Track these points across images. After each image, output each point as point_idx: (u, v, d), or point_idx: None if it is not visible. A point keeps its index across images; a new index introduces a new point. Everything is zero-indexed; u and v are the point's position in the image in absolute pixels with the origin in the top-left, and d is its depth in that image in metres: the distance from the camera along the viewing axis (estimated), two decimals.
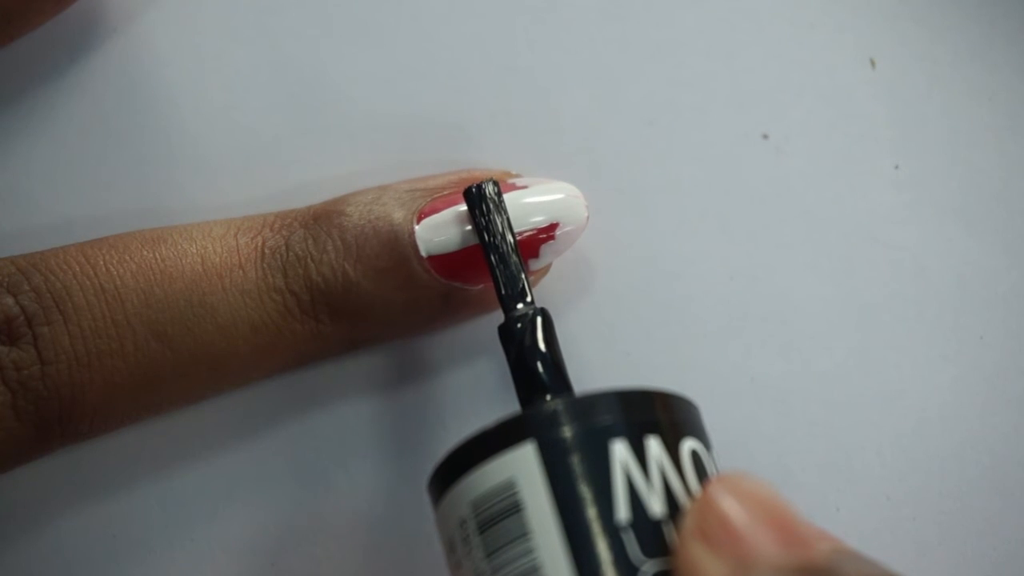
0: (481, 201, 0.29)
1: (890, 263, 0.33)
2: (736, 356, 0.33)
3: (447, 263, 0.30)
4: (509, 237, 0.29)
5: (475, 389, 0.32)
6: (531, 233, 0.30)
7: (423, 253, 0.30)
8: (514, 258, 0.29)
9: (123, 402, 0.28)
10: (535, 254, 0.30)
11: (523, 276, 0.29)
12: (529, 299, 0.29)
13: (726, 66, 0.34)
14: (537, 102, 0.33)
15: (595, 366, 0.32)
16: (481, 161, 0.33)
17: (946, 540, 0.32)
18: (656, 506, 0.25)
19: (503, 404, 0.32)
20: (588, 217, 0.31)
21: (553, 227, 0.30)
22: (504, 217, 0.29)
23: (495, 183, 0.30)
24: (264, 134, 0.33)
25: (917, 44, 0.34)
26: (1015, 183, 0.33)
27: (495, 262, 0.29)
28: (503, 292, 0.29)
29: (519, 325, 0.29)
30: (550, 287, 0.32)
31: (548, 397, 0.28)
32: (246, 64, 0.33)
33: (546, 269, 0.32)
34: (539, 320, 0.29)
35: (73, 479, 0.31)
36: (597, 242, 0.33)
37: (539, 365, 0.28)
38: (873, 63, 0.34)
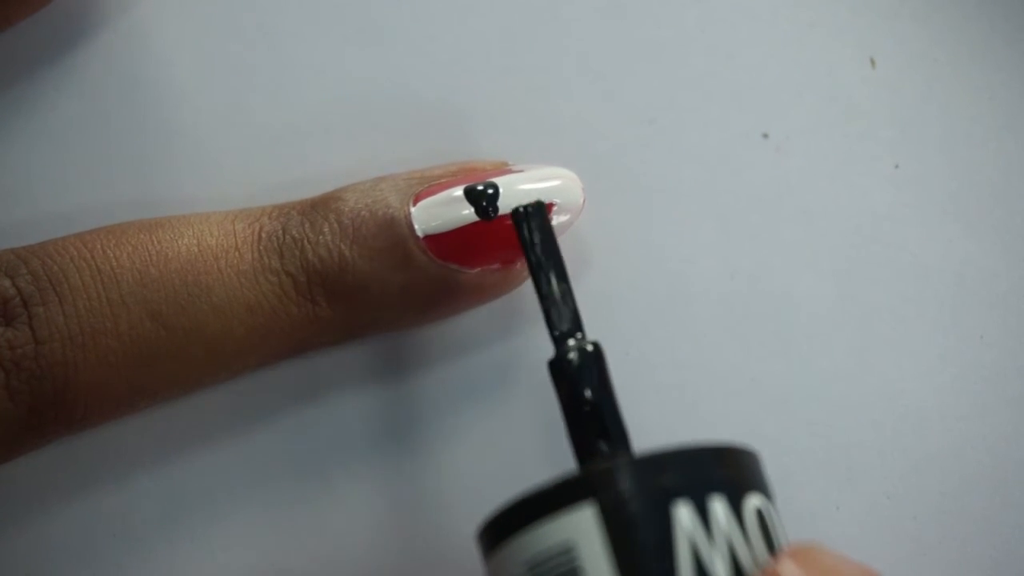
0: (529, 221, 0.29)
1: (890, 263, 0.33)
2: (736, 356, 0.33)
3: (444, 243, 0.30)
4: (560, 261, 0.28)
5: (475, 385, 0.32)
6: None
7: (419, 233, 0.30)
8: (565, 285, 0.28)
9: (117, 383, 0.28)
10: None
11: (575, 305, 0.28)
12: (581, 333, 0.28)
13: (726, 65, 0.34)
14: (537, 100, 0.33)
15: None
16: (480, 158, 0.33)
17: (946, 540, 0.32)
18: (721, 574, 0.24)
19: (502, 401, 0.32)
20: (585, 200, 0.31)
21: (549, 207, 0.30)
22: (554, 240, 0.29)
23: (541, 202, 0.29)
24: (264, 130, 0.33)
25: (917, 44, 0.34)
26: (1015, 183, 0.33)
27: (546, 290, 0.28)
28: (555, 324, 0.28)
29: (572, 360, 0.27)
30: None
31: (601, 442, 0.27)
32: (246, 61, 0.33)
33: None
34: (593, 355, 0.27)
35: (71, 477, 0.31)
36: (596, 240, 0.33)
37: (598, 409, 0.27)
38: (873, 62, 0.34)
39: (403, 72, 0.33)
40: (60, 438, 0.29)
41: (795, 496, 0.32)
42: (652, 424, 0.32)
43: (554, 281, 0.28)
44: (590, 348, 0.28)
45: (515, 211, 0.29)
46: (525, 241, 0.29)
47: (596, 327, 0.32)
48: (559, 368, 0.27)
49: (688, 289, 0.33)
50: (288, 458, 0.32)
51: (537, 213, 0.29)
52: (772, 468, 0.32)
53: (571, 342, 0.28)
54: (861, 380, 0.32)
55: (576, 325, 0.28)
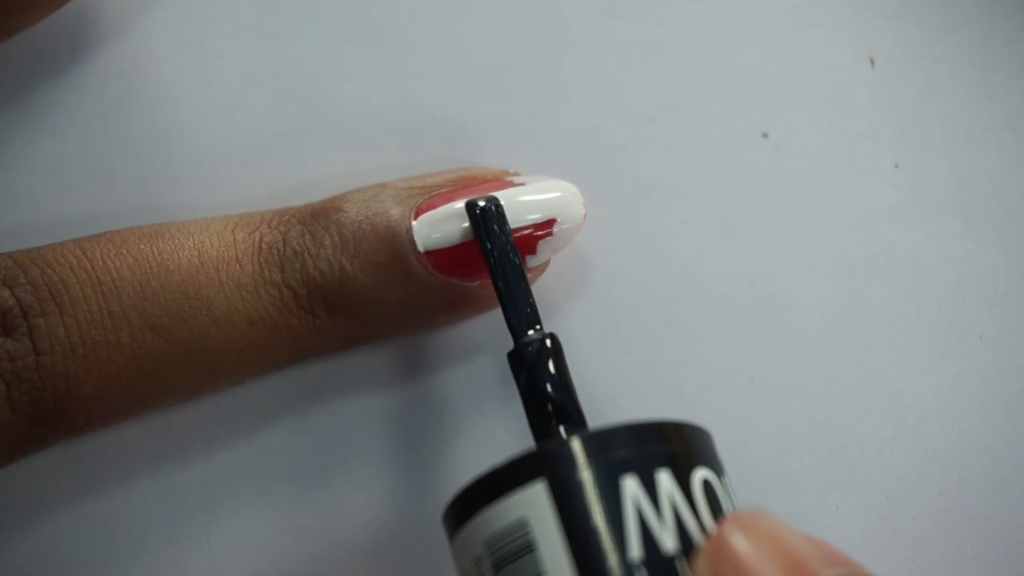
0: (485, 222, 0.29)
1: (890, 262, 0.33)
2: (736, 355, 0.33)
3: (445, 259, 0.30)
4: (516, 260, 0.29)
5: (474, 387, 0.32)
6: (528, 230, 0.30)
7: (420, 248, 0.30)
8: (522, 283, 0.29)
9: (118, 394, 0.28)
10: (532, 251, 0.30)
11: (532, 300, 0.29)
12: (539, 325, 0.29)
13: (726, 65, 0.34)
14: (537, 102, 0.33)
15: (594, 365, 0.32)
16: (480, 160, 0.33)
17: (946, 540, 0.32)
18: (669, 542, 0.25)
19: (502, 402, 0.32)
20: (586, 214, 0.31)
21: (550, 223, 0.30)
22: (509, 238, 0.29)
23: (498, 202, 0.29)
24: (264, 133, 0.33)
25: (916, 43, 0.34)
26: (1014, 182, 0.33)
27: (503, 287, 0.29)
28: (512, 318, 0.29)
29: (529, 351, 0.28)
30: (549, 285, 0.32)
31: (560, 427, 0.28)
32: (246, 63, 0.33)
33: (544, 266, 0.32)
34: (550, 346, 0.29)
35: (71, 478, 0.31)
36: (596, 240, 0.33)
37: (551, 394, 0.28)
38: (872, 62, 0.34)
39: (403, 72, 0.33)
40: (60, 443, 0.29)
41: (795, 496, 0.32)
42: None
43: (511, 275, 0.29)
44: (547, 340, 0.29)
45: (470, 213, 0.29)
46: (482, 238, 0.29)
47: (596, 327, 0.32)
48: (517, 359, 0.29)
49: (688, 289, 0.33)
50: (288, 459, 0.32)
51: (493, 210, 0.29)
52: (772, 468, 0.32)
53: (530, 333, 0.29)
54: (861, 380, 0.33)
55: (534, 318, 0.29)
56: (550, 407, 0.28)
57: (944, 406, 0.32)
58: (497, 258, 0.29)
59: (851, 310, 0.33)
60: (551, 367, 0.28)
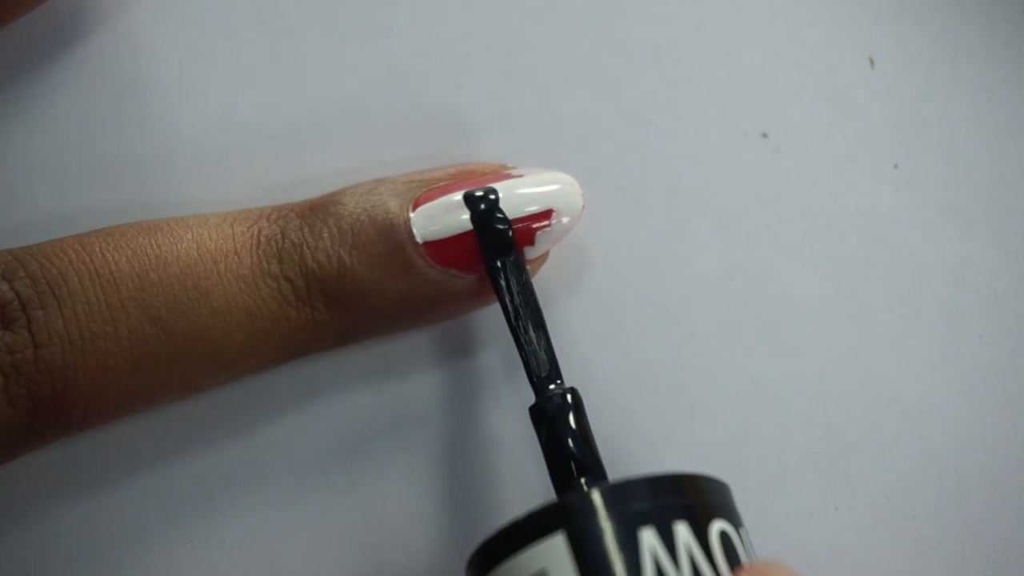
0: (505, 273, 0.30)
1: (889, 262, 0.33)
2: (736, 356, 0.33)
3: (443, 250, 0.30)
4: (537, 315, 0.30)
5: (474, 385, 0.32)
6: (526, 222, 0.30)
7: (419, 239, 0.29)
8: (544, 338, 0.29)
9: (117, 387, 0.28)
10: (531, 242, 0.30)
11: (553, 355, 0.29)
12: (560, 380, 0.29)
13: (725, 65, 0.34)
14: (537, 101, 0.33)
15: (594, 365, 0.32)
16: (480, 160, 0.33)
17: (945, 540, 0.32)
18: None
19: (502, 400, 0.32)
20: (584, 206, 0.31)
21: (548, 213, 0.30)
22: (532, 291, 0.30)
23: (519, 257, 0.30)
24: (262, 131, 0.33)
25: (916, 44, 0.34)
26: (1014, 182, 0.33)
27: (524, 340, 0.29)
28: (535, 374, 0.29)
29: (551, 406, 0.29)
30: (549, 285, 0.32)
31: (581, 479, 0.28)
32: (245, 61, 0.33)
33: (544, 258, 0.32)
34: (571, 401, 0.29)
35: (71, 477, 0.31)
36: (596, 241, 0.33)
37: (572, 448, 0.28)
38: (872, 62, 0.34)
39: (402, 72, 0.33)
40: (59, 440, 0.29)
41: (795, 496, 0.32)
42: (652, 424, 0.32)
43: (532, 331, 0.29)
44: (567, 395, 0.29)
45: (491, 265, 0.30)
46: (502, 293, 0.30)
47: (596, 327, 0.32)
48: (539, 414, 0.29)
49: (688, 289, 0.33)
50: (287, 459, 0.32)
51: (513, 266, 0.30)
52: (772, 468, 0.32)
53: (551, 387, 0.29)
54: (860, 380, 0.33)
55: (554, 372, 0.29)
56: (571, 463, 0.28)
57: (943, 406, 0.33)
58: (517, 309, 0.29)
59: (851, 310, 0.33)
60: (572, 421, 0.29)
